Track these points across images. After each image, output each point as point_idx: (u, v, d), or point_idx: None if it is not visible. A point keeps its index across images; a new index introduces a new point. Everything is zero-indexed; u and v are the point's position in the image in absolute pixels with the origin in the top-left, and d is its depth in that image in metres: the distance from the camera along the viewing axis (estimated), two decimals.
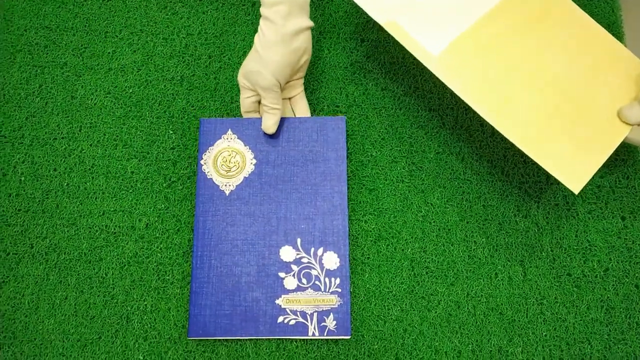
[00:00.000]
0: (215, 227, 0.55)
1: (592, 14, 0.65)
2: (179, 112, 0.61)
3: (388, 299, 0.54)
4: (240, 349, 0.52)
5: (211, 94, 0.62)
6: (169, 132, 0.60)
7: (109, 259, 0.56)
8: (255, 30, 0.64)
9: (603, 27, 0.64)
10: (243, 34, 0.64)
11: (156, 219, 0.57)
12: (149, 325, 0.53)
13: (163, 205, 0.58)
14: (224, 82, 0.62)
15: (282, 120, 0.58)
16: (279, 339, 0.53)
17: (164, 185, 0.58)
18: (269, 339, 0.52)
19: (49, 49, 0.64)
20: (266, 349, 0.52)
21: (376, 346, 0.52)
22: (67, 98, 0.62)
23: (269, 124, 0.56)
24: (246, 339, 0.53)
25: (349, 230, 0.57)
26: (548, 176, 0.58)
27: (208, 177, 0.57)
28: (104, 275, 0.55)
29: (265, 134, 0.57)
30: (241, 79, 0.56)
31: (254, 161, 0.57)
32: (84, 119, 0.61)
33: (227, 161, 0.57)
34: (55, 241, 0.56)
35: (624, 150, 0.58)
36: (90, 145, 0.60)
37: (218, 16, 0.66)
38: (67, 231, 0.57)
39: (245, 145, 0.57)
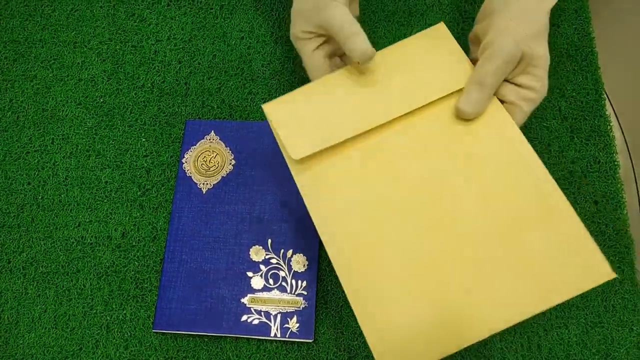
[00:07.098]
0: (190, 224, 0.56)
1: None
2: (150, 120, 0.61)
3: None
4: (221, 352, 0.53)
5: (182, 99, 0.62)
6: (141, 139, 0.60)
7: (87, 269, 0.56)
8: (225, 34, 0.64)
9: (570, 13, 0.64)
10: (212, 37, 0.64)
11: (132, 227, 0.57)
12: (129, 333, 0.54)
13: (138, 214, 0.58)
14: (194, 87, 0.62)
15: (268, 125, 0.57)
16: (242, 337, 0.52)
17: (139, 193, 0.58)
18: (235, 336, 0.53)
19: (18, 63, 0.64)
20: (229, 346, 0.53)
21: (340, 352, 0.53)
22: (38, 111, 0.62)
23: (366, 45, 0.44)
24: (213, 337, 0.53)
25: None
26: None
27: (187, 174, 0.58)
28: (82, 286, 0.55)
29: (243, 142, 0.58)
30: (299, 33, 0.48)
31: (234, 162, 0.58)
32: (56, 131, 0.61)
33: (208, 161, 0.58)
34: (32, 255, 0.56)
35: (595, 135, 0.59)
36: (63, 157, 0.60)
37: (186, 21, 0.65)
38: (44, 244, 0.57)
39: (226, 147, 0.59)
